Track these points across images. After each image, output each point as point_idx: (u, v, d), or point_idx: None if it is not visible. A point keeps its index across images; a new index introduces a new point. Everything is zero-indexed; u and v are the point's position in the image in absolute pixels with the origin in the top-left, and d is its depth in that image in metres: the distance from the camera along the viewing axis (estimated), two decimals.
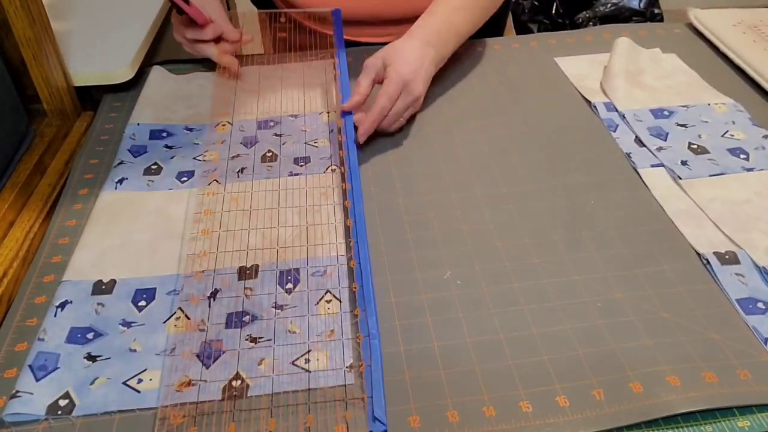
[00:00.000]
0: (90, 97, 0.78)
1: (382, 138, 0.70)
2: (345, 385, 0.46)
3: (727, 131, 0.69)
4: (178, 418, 0.44)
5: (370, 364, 0.46)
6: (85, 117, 0.75)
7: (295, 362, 0.47)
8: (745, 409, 0.45)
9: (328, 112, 0.73)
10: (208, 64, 0.82)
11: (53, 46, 0.70)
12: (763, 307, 0.51)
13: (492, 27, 0.92)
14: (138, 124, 0.70)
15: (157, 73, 0.78)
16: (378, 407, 0.44)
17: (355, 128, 0.66)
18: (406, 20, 0.82)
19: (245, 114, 0.73)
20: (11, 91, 0.67)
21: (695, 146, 0.67)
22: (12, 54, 0.68)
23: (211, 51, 0.76)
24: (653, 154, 0.66)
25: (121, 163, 0.65)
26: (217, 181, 0.63)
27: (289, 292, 0.53)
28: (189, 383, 0.46)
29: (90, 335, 0.49)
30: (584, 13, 1.74)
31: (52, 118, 0.73)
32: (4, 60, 0.67)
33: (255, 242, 0.57)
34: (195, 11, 0.72)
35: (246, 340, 0.49)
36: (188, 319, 0.51)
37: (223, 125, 0.71)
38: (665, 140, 0.68)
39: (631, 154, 0.66)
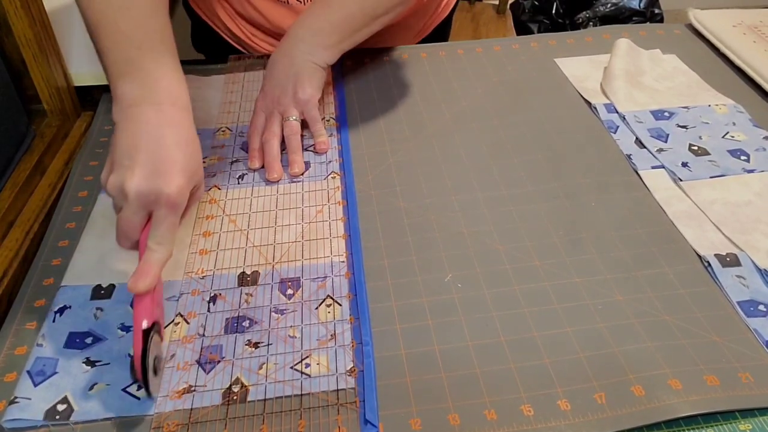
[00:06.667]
0: (90, 97, 0.78)
1: (381, 140, 0.69)
2: (338, 390, 0.46)
3: (728, 132, 0.69)
4: (172, 426, 0.44)
5: (363, 369, 0.47)
6: (85, 117, 0.75)
7: (294, 367, 0.47)
8: (747, 412, 0.45)
9: (326, 119, 0.72)
10: (205, 67, 0.82)
11: (53, 46, 0.70)
12: (765, 309, 0.51)
13: (438, 35, 0.93)
14: None
15: None
16: (370, 410, 0.44)
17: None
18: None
19: (246, 121, 0.72)
20: (11, 91, 0.66)
21: (696, 147, 0.67)
22: (12, 54, 0.67)
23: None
24: (653, 155, 0.66)
25: None
26: (217, 187, 0.63)
27: (289, 297, 0.52)
28: (189, 389, 0.46)
29: (89, 340, 0.49)
30: (584, 13, 1.74)
31: (52, 118, 0.73)
32: (4, 60, 0.67)
33: (255, 250, 0.57)
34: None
35: (246, 345, 0.49)
36: (187, 324, 0.50)
37: (223, 131, 0.71)
38: (666, 142, 0.68)
39: (631, 156, 0.66)
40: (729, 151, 0.66)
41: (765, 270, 0.54)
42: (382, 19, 0.70)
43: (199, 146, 0.52)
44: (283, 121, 0.67)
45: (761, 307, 0.51)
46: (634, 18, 1.72)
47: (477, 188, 0.63)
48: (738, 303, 0.51)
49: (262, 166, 0.65)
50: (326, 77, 0.70)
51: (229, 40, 0.88)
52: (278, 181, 0.64)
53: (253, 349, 0.48)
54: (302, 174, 0.65)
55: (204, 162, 0.66)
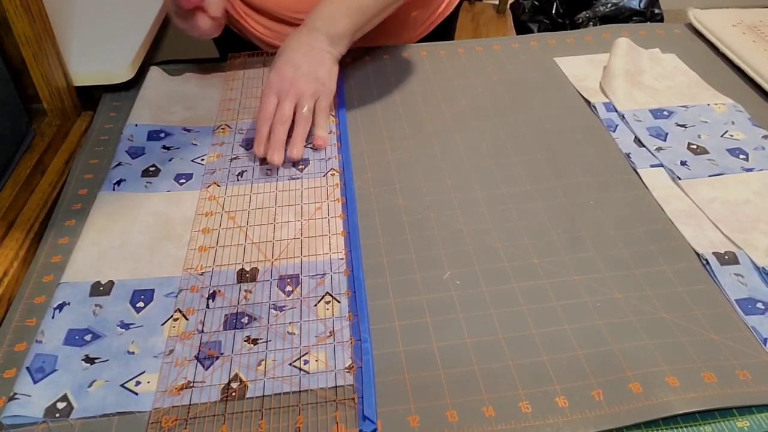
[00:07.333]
0: (90, 97, 0.78)
1: (381, 137, 0.70)
2: (336, 387, 0.46)
3: (727, 131, 0.69)
4: (170, 422, 0.44)
5: (361, 366, 0.47)
6: (85, 117, 0.75)
7: (293, 363, 0.47)
8: (745, 410, 0.45)
9: None
10: (205, 65, 0.82)
11: (53, 45, 0.70)
12: (763, 307, 0.51)
13: (441, 33, 0.92)
14: (136, 125, 0.70)
15: (155, 73, 0.78)
16: (368, 406, 0.44)
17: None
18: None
19: (246, 118, 0.73)
20: (11, 91, 0.67)
21: (695, 146, 0.67)
22: (12, 53, 0.68)
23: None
24: (653, 154, 0.66)
25: (119, 164, 0.65)
26: (216, 184, 0.63)
27: (288, 294, 0.53)
28: (187, 385, 0.46)
29: (88, 337, 0.49)
30: (584, 13, 1.74)
31: (53, 117, 0.73)
32: (5, 59, 0.67)
33: (254, 246, 0.57)
34: None
35: (245, 341, 0.49)
36: (186, 320, 0.50)
37: (223, 128, 0.71)
38: (665, 140, 0.68)
39: (630, 155, 0.66)
40: (728, 150, 0.66)
41: (763, 268, 0.54)
42: (393, 6, 0.73)
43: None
44: (297, 108, 0.67)
45: (759, 305, 0.51)
46: (634, 18, 1.72)
47: (476, 187, 0.63)
48: (736, 301, 0.51)
49: None
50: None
51: None
52: (277, 167, 0.64)
53: (252, 345, 0.49)
54: (300, 164, 0.65)
55: (202, 159, 0.67)
